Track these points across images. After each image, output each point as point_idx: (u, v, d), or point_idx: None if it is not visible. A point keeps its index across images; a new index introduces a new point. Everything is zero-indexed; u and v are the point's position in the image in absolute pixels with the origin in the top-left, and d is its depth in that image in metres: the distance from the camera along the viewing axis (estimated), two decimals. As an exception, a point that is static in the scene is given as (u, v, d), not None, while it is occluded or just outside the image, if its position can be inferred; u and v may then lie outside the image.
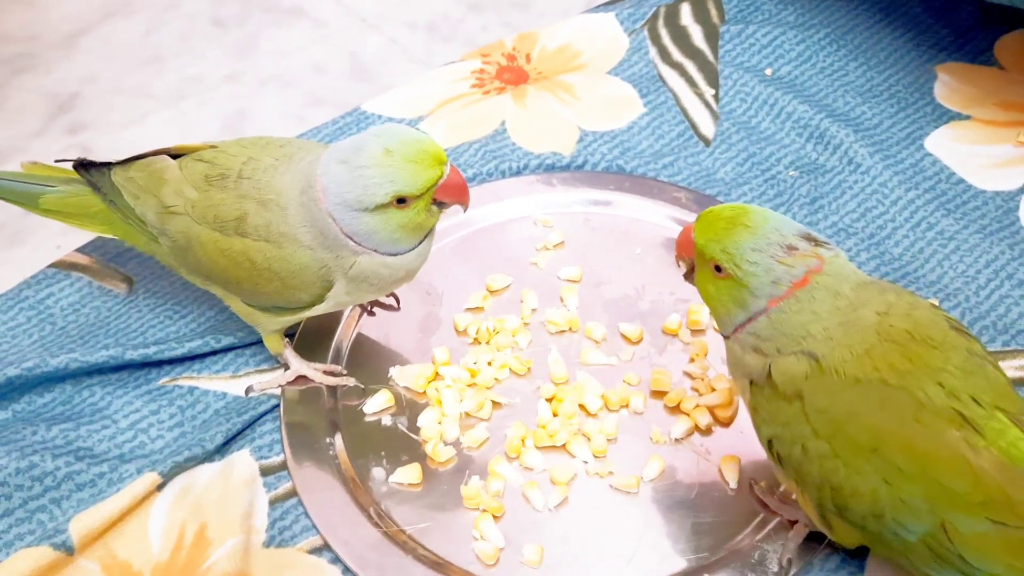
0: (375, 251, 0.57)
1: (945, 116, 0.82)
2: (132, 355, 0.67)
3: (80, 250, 0.76)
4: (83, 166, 0.65)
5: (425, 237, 0.60)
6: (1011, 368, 0.65)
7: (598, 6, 0.94)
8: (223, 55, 0.98)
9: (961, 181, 0.77)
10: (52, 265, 0.74)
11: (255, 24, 1.01)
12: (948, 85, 0.84)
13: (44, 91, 0.94)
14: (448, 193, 0.57)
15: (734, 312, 0.52)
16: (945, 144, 0.80)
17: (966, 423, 0.47)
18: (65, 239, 0.79)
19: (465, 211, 0.61)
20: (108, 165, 0.64)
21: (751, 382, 0.53)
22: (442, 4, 1.02)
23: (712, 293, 0.53)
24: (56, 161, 0.67)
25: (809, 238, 0.50)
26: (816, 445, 0.50)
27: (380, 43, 0.98)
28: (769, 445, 0.53)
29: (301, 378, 0.66)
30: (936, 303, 0.69)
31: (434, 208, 0.58)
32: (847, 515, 0.50)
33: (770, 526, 0.58)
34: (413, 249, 0.59)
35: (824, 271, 0.50)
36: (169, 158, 0.62)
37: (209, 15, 1.02)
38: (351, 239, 0.57)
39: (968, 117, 0.82)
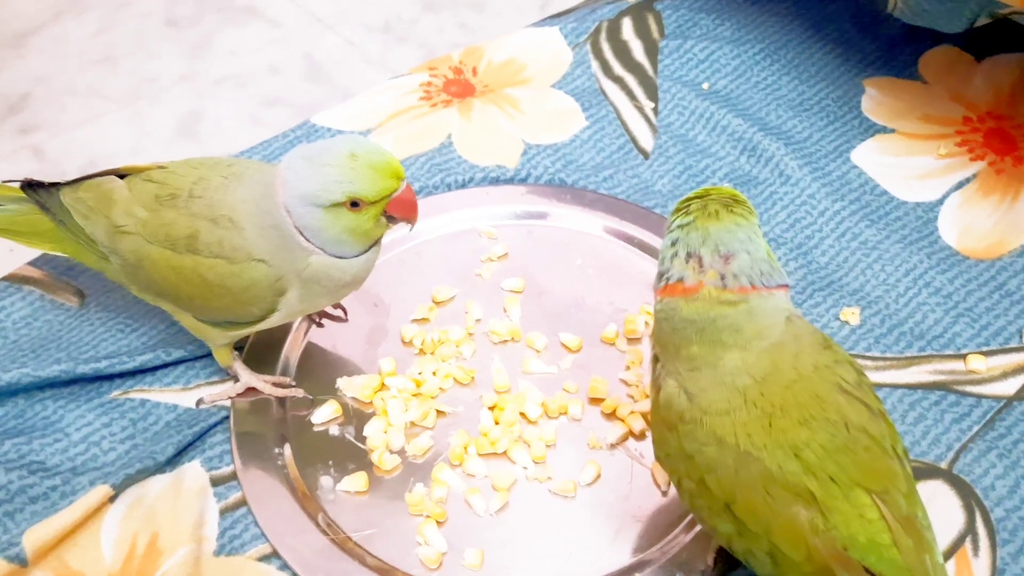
0: (322, 250, 0.60)
1: (871, 129, 0.86)
2: (84, 369, 0.68)
3: (32, 264, 0.77)
4: (31, 186, 0.66)
5: (372, 246, 0.62)
6: (926, 372, 0.70)
7: (544, 19, 0.97)
8: (177, 55, 0.98)
9: (884, 193, 0.81)
10: (4, 279, 0.75)
11: (209, 24, 1.00)
12: (875, 99, 0.88)
13: (-6, 92, 0.93)
14: (399, 208, 0.60)
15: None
16: (871, 157, 0.84)
17: (814, 503, 0.48)
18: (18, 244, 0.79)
19: (411, 229, 0.63)
20: (56, 186, 0.65)
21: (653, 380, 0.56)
22: (397, 4, 1.03)
23: None
24: (3, 182, 0.68)
25: (726, 272, 0.51)
26: (687, 484, 0.53)
27: (335, 43, 0.99)
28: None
29: (251, 390, 0.68)
30: (858, 311, 0.73)
31: (383, 220, 0.60)
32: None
33: (699, 527, 0.62)
34: (359, 256, 0.61)
35: (697, 296, 0.51)
36: (117, 178, 0.64)
37: (162, 14, 1.01)
38: (301, 234, 0.59)
39: (893, 130, 0.86)
